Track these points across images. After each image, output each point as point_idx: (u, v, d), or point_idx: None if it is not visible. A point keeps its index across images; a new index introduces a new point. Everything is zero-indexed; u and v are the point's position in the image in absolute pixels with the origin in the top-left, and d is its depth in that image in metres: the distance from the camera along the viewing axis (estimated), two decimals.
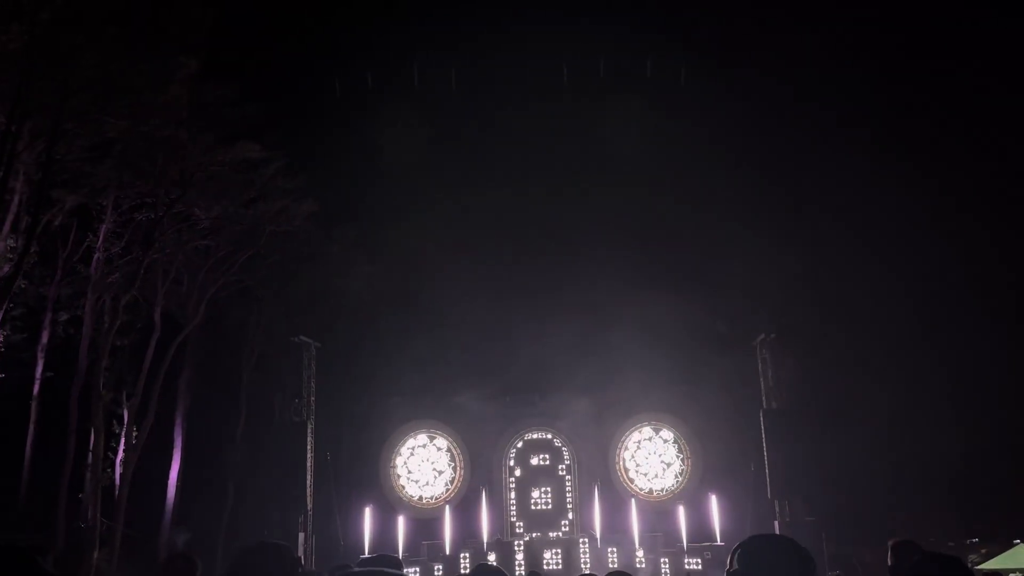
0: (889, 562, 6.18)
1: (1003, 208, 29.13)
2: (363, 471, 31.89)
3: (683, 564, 26.02)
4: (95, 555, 24.34)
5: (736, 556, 2.67)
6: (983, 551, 25.59)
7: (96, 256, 26.99)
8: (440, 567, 27.15)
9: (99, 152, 25.56)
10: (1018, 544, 22.29)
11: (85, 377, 27.07)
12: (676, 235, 31.17)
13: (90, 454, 25.91)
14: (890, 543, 6.49)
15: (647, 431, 31.54)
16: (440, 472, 31.93)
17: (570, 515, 30.32)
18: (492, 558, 26.87)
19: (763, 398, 28.42)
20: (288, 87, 32.47)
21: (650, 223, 32.10)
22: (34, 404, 27.48)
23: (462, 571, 26.52)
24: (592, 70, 34.35)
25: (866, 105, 31.04)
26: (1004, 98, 29.99)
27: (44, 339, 27.96)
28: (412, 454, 32.11)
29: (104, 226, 26.84)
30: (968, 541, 28.65)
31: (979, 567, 22.24)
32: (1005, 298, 29.29)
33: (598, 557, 27.13)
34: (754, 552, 2.65)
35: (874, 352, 27.95)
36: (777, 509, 27.10)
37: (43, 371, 27.84)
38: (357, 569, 5.04)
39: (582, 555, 27.38)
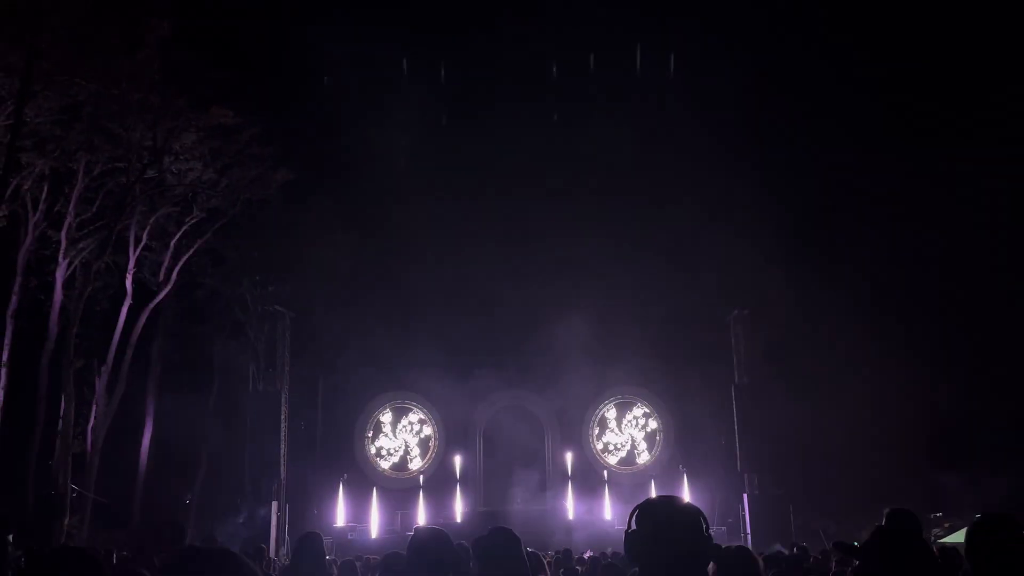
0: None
1: (975, 186, 29.37)
2: (338, 442, 31.94)
3: None
4: (65, 522, 24.25)
5: (634, 517, 2.71)
6: (946, 525, 26.02)
7: (67, 221, 26.60)
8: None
9: (69, 115, 25.13)
10: (980, 518, 22.59)
11: (56, 343, 26.78)
12: (653, 213, 31.20)
13: (60, 421, 25.70)
14: (885, 511, 5.96)
15: (621, 405, 31.76)
16: (414, 444, 32.01)
17: (543, 487, 30.53)
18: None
19: (735, 372, 28.68)
20: (264, 53, 31.94)
21: (628, 202, 32.13)
22: (3, 370, 27.17)
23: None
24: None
25: (842, 92, 31.15)
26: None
27: (13, 304, 27.59)
28: (386, 425, 32.17)
29: (75, 191, 26.45)
30: (932, 515, 29.15)
31: (942, 541, 22.59)
32: (981, 273, 29.62)
33: (570, 528, 27.35)
34: (651, 512, 2.69)
35: (846, 327, 28.20)
36: (746, 482, 27.47)
37: (12, 337, 27.49)
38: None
39: (559, 523, 27.56)
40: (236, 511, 27.64)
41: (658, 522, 2.65)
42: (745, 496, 26.99)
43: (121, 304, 27.53)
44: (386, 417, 32.20)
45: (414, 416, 32.15)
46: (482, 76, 34.02)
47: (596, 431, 31.54)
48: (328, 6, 34.91)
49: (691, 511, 2.69)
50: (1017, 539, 3.46)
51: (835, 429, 27.09)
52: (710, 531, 2.68)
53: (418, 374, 30.28)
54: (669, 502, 2.74)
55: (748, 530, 26.15)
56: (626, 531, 2.71)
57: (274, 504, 27.02)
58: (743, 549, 4.33)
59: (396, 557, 6.32)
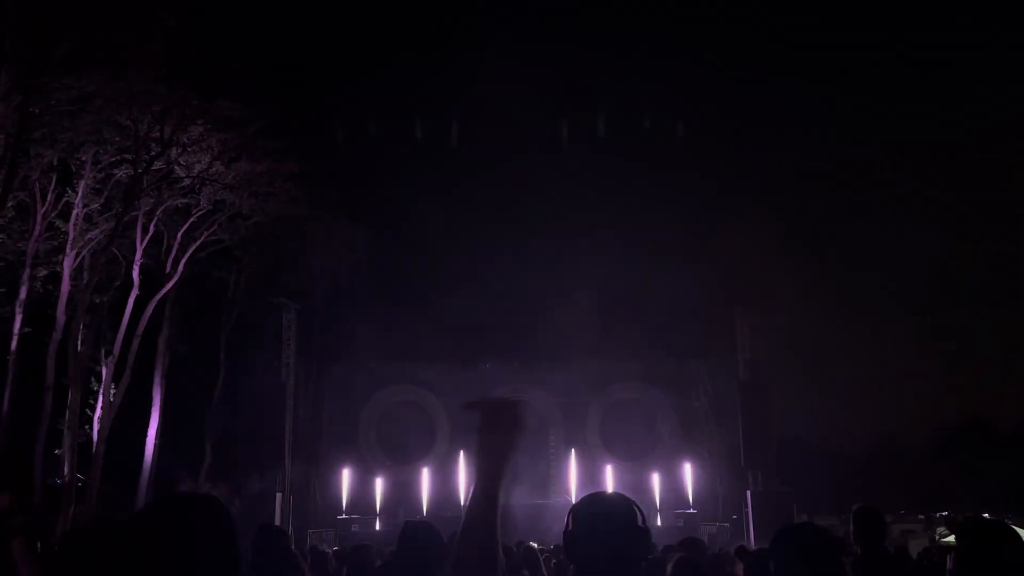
0: (851, 528, 6.01)
1: (980, 184, 29.31)
2: (342, 432, 32.04)
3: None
4: (71, 511, 24.41)
5: (571, 516, 2.72)
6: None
7: (75, 212, 26.69)
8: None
9: (77, 106, 25.18)
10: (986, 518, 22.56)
11: (63, 334, 26.88)
12: (659, 209, 31.25)
13: (67, 411, 25.84)
14: (852, 508, 6.22)
15: (624, 400, 31.76)
16: (419, 434, 32.08)
17: (547, 478, 30.59)
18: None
19: (739, 369, 28.66)
20: (271, 47, 32.00)
21: (634, 198, 32.19)
22: (11, 360, 27.30)
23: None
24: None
25: (848, 87, 31.14)
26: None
27: (22, 295, 27.71)
28: (391, 416, 32.23)
29: (83, 182, 26.53)
30: (937, 514, 29.14)
31: (945, 540, 22.56)
32: (990, 273, 29.58)
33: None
34: (586, 509, 2.72)
35: (850, 325, 28.21)
36: (750, 478, 27.47)
37: (21, 327, 27.59)
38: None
39: (561, 516, 27.65)
40: (247, 480, 27.72)
41: (594, 518, 2.68)
42: (748, 493, 26.97)
43: (128, 295, 27.64)
44: (390, 407, 32.26)
45: (419, 407, 32.21)
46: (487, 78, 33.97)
47: (599, 425, 31.56)
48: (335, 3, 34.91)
49: (625, 504, 2.71)
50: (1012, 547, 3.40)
51: (839, 426, 27.13)
52: (646, 523, 2.71)
53: (423, 366, 30.38)
54: (603, 498, 2.79)
55: (752, 528, 26.15)
56: (564, 530, 2.72)
57: (279, 496, 27.13)
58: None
59: (364, 550, 6.42)
